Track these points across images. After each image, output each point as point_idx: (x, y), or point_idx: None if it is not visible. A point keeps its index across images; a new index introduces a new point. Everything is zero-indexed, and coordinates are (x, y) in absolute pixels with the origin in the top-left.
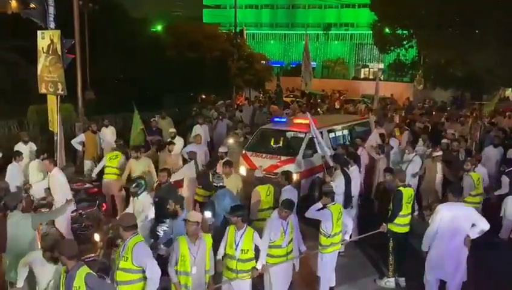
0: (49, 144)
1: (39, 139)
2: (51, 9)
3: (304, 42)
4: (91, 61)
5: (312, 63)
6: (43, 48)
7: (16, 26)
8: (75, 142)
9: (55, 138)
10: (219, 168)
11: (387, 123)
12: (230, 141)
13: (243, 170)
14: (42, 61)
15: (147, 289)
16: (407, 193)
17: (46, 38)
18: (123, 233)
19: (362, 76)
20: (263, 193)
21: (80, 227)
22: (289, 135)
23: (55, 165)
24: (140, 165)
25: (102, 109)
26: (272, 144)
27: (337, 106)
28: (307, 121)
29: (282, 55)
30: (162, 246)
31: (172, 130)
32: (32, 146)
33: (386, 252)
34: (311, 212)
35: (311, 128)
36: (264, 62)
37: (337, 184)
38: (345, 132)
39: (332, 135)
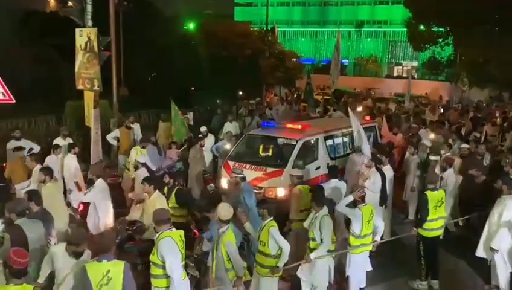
0: (85, 138)
1: (75, 134)
2: (89, 8)
3: (335, 39)
4: (125, 58)
5: (343, 60)
6: (80, 46)
7: (53, 25)
8: (110, 137)
9: (91, 133)
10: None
11: (404, 123)
12: (227, 146)
13: (224, 182)
14: (80, 58)
15: (171, 286)
16: (435, 197)
17: (84, 36)
18: (155, 227)
19: (395, 74)
20: (304, 193)
21: None
22: (279, 142)
23: (37, 162)
24: (45, 190)
25: (135, 106)
26: (258, 152)
27: (369, 104)
28: (298, 127)
29: (313, 52)
30: (206, 241)
31: (204, 128)
32: (69, 141)
33: (417, 255)
34: (341, 207)
35: (354, 124)
36: (295, 60)
37: (374, 181)
38: (346, 138)
39: (330, 142)
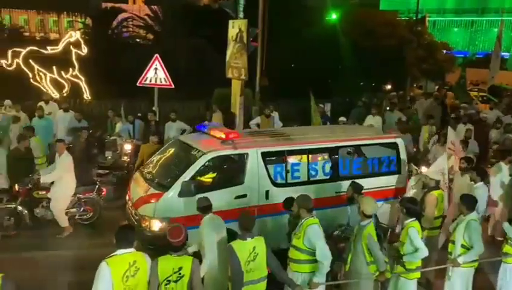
0: (228, 124)
1: (221, 119)
2: (242, 0)
3: (496, 30)
4: (267, 49)
5: (504, 53)
6: (232, 36)
7: (206, 17)
8: (252, 124)
9: (236, 119)
10: None
11: None
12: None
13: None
14: (231, 49)
15: (318, 271)
16: None
17: (236, 28)
18: (301, 212)
19: None
20: (439, 199)
21: (78, 211)
22: (187, 154)
23: (67, 148)
24: None
25: (274, 95)
26: (162, 164)
27: None
28: (221, 135)
29: (467, 44)
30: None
31: (342, 118)
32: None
33: None
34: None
35: None
36: (445, 51)
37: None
38: (321, 157)
39: (278, 161)
